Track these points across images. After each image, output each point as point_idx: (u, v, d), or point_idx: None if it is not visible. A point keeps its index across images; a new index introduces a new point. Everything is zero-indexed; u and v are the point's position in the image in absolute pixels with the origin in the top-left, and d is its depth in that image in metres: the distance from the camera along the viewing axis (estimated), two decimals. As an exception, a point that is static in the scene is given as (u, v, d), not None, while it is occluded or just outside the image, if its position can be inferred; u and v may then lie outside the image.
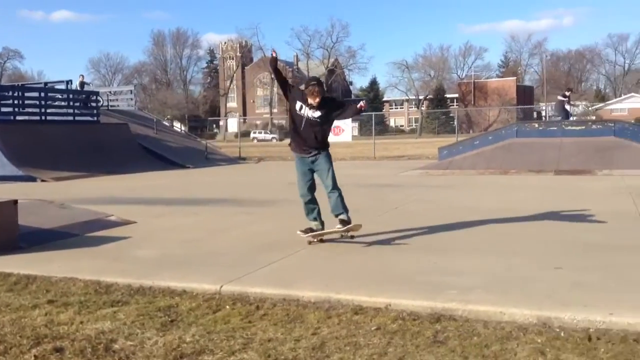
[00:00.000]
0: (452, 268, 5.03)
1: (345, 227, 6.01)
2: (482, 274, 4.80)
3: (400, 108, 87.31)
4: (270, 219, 8.39)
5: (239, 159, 26.84)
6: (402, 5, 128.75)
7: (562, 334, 3.53)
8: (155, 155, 22.69)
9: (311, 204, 6.16)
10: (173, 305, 4.30)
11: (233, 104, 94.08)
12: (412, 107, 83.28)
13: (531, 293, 4.22)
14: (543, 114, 55.22)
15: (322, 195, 6.17)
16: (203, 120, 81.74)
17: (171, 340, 3.56)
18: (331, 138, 6.33)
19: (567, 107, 19.91)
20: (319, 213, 6.19)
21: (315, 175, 6.18)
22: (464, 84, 77.45)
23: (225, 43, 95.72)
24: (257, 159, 26.97)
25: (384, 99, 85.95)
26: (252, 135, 70.83)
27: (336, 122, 6.94)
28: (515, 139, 16.67)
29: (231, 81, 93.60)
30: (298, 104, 5.92)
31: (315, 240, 6.14)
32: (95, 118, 22.80)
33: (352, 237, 6.17)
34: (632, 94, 75.59)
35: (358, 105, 6.08)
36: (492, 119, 62.39)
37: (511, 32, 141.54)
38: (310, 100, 5.80)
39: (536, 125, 17.64)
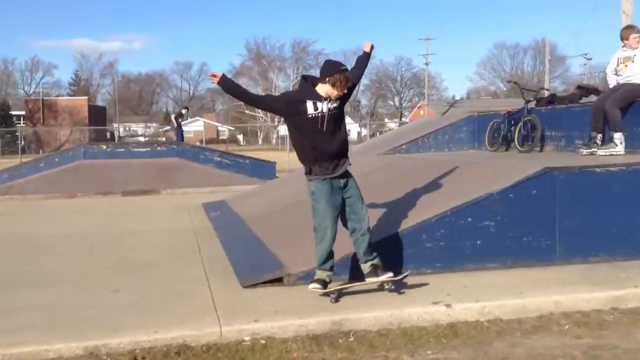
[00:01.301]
0: (-4, 309, 4.51)
1: (401, 276, 4.65)
2: (33, 310, 4.46)
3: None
4: None
5: None
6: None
7: (109, 361, 3.55)
8: None
9: (332, 248, 4.60)
10: None
11: None
12: (-33, 124, 73.00)
13: (82, 323, 4.12)
14: (116, 134, 56.00)
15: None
16: None
17: None
18: None
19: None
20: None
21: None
22: (32, 101, 71.79)
23: None
24: None
25: None
26: None
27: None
28: (83, 160, 16.30)
29: None
30: (309, 105, 4.46)
31: (335, 296, 4.55)
32: None
33: (391, 289, 4.69)
34: (197, 117, 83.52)
35: (368, 50, 4.88)
36: (64, 138, 59.68)
37: (81, 50, 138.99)
38: (336, 92, 4.44)
39: (104, 147, 17.60)
